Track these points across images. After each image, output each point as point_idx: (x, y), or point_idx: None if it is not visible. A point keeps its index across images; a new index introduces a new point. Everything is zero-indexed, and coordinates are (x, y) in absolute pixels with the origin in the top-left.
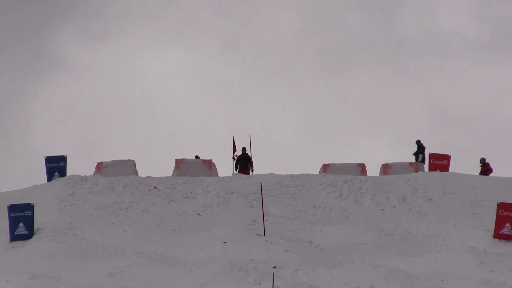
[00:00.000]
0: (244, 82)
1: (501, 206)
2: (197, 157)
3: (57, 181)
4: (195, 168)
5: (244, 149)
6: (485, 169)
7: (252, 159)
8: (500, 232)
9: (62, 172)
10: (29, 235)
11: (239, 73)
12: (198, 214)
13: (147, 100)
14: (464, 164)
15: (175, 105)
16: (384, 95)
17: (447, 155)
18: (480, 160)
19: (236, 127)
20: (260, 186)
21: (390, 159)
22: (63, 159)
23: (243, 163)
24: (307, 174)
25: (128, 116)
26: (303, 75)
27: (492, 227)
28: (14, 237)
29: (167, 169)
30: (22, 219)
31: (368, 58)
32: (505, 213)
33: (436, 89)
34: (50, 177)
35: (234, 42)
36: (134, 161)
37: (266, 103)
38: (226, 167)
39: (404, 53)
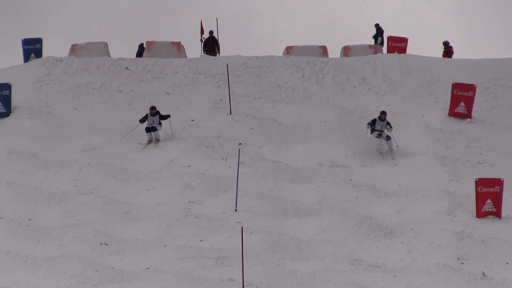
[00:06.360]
0: None
1: (456, 86)
2: None
3: (33, 62)
4: (164, 50)
5: (211, 32)
6: (448, 50)
7: (219, 42)
8: (455, 111)
9: (38, 53)
10: (6, 113)
11: None
12: (167, 93)
13: None
14: None
15: None
16: None
17: (405, 38)
18: (443, 43)
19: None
20: (226, 67)
21: (349, 42)
22: (39, 41)
23: (211, 45)
24: (271, 56)
25: None
26: None
27: (447, 106)
28: None
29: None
30: (0, 98)
31: None
32: (459, 93)
33: None
34: (26, 58)
35: None
36: (107, 43)
37: None
38: (194, 49)
39: None
